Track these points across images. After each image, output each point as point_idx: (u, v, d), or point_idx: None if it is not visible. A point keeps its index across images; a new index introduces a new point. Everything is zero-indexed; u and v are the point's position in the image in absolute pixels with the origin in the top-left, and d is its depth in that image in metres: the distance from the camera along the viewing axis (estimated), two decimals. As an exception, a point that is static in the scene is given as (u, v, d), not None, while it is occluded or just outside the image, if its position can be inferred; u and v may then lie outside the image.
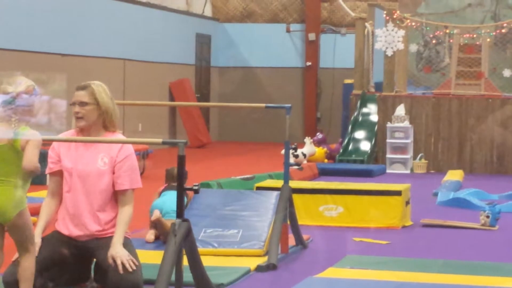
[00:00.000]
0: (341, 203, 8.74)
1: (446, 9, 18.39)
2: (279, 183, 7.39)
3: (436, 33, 16.37)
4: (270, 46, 21.30)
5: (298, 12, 21.52)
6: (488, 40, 15.76)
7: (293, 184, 7.85)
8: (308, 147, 14.68)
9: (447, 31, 16.17)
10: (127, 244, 5.25)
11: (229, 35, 21.59)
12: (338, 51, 20.92)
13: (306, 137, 15.18)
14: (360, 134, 15.90)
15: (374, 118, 15.87)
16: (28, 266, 4.80)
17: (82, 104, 5.33)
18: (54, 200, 5.37)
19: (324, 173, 13.86)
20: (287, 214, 6.89)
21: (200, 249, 5.65)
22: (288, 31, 21.50)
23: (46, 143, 4.96)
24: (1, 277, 5.11)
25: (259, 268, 6.34)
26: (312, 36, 21.12)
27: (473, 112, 15.29)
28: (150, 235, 7.38)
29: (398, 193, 8.68)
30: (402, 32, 15.55)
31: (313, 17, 21.22)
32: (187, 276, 5.04)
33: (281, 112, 7.27)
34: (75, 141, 5.35)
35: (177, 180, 4.80)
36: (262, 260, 6.49)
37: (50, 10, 14.44)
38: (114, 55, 16.47)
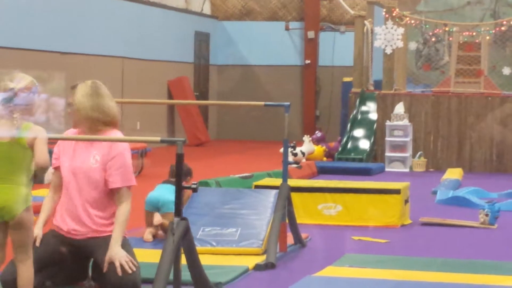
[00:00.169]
0: (340, 201, 8.73)
1: (446, 7, 18.39)
2: (278, 181, 7.38)
3: (435, 31, 16.37)
4: (269, 44, 21.29)
5: (297, 10, 21.51)
6: (488, 38, 15.75)
7: (292, 182, 7.84)
8: (307, 146, 14.66)
9: (447, 29, 16.16)
10: (125, 244, 5.25)
11: (228, 33, 21.58)
12: (337, 49, 20.91)
13: (305, 135, 15.17)
14: (359, 132, 15.89)
15: (373, 116, 15.86)
16: (27, 276, 4.78)
17: (69, 104, 5.44)
18: (56, 194, 5.47)
19: (323, 171, 13.86)
20: (285, 213, 6.89)
21: (199, 247, 5.64)
22: (287, 29, 21.49)
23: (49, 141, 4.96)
24: (-2, 276, 5.12)
25: (257, 267, 6.33)
26: (311, 34, 21.11)
27: (472, 110, 15.28)
28: (148, 234, 7.37)
29: (397, 191, 8.68)
30: (401, 30, 15.54)
31: (312, 15, 21.22)
32: (185, 275, 5.03)
33: (280, 110, 7.27)
34: (72, 139, 5.38)
35: (176, 178, 4.79)
36: (260, 259, 6.48)
37: (49, 8, 14.43)
38: (113, 53, 16.46)
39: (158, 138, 4.89)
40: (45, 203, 5.46)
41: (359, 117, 16.08)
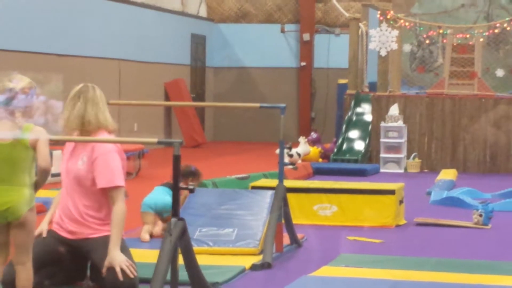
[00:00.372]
0: (336, 202, 8.77)
1: (440, 9, 18.45)
2: (274, 182, 7.43)
3: (429, 33, 16.41)
4: (264, 46, 21.32)
5: (293, 13, 21.56)
6: (481, 40, 15.80)
7: (288, 183, 7.88)
8: (303, 147, 14.71)
9: (441, 31, 16.22)
10: (123, 247, 5.29)
11: (224, 35, 21.61)
12: (332, 51, 20.95)
13: (301, 137, 15.21)
14: (354, 133, 15.94)
15: (368, 117, 15.92)
16: (26, 278, 4.81)
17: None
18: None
19: (318, 172, 13.89)
20: (281, 213, 6.92)
21: (196, 248, 5.68)
22: (282, 31, 21.52)
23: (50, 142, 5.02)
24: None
25: (254, 267, 6.37)
26: (306, 36, 21.15)
27: (466, 112, 15.34)
28: (145, 233, 7.40)
29: (391, 192, 8.72)
30: (395, 32, 15.59)
31: (307, 17, 21.26)
32: (183, 275, 5.08)
33: (275, 112, 7.31)
34: (68, 140, 5.49)
35: (173, 179, 4.83)
36: (257, 259, 6.52)
37: (46, 10, 14.46)
38: (110, 55, 16.49)
39: (155, 140, 4.94)
40: (56, 199, 5.58)
41: (354, 118, 16.13)
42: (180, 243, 4.89)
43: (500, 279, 6.04)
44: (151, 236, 7.43)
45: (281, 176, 7.07)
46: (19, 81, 4.81)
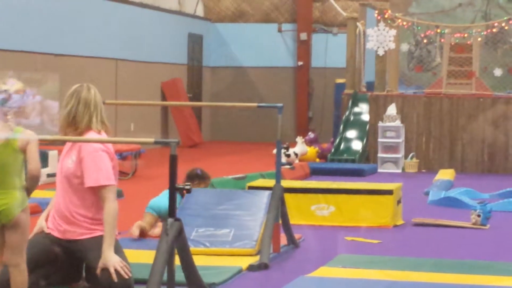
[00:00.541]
0: (333, 202, 8.76)
1: (437, 8, 18.44)
2: (271, 182, 7.40)
3: (427, 33, 16.41)
4: (262, 46, 21.32)
5: (290, 12, 21.54)
6: (479, 39, 15.81)
7: (285, 183, 7.86)
8: (300, 147, 14.69)
9: (438, 30, 16.22)
10: (117, 248, 5.27)
11: (221, 35, 21.60)
12: (329, 50, 20.95)
13: (298, 137, 15.19)
14: (351, 133, 15.93)
15: (365, 117, 15.91)
16: (20, 280, 4.78)
17: None
18: None
19: (315, 172, 13.88)
20: (279, 214, 6.91)
21: (192, 248, 5.67)
22: (279, 31, 21.52)
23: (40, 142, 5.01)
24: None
25: (251, 268, 6.35)
26: (303, 36, 21.15)
27: (464, 112, 15.33)
28: (136, 228, 7.35)
29: (389, 192, 8.70)
30: (393, 32, 15.58)
31: (304, 16, 21.25)
32: (179, 276, 5.06)
33: (273, 111, 7.29)
34: (62, 139, 5.51)
35: (169, 179, 4.81)
36: (254, 260, 6.50)
37: (43, 10, 14.43)
38: (107, 55, 16.47)
39: (152, 140, 4.92)
40: (53, 198, 5.57)
41: (351, 118, 16.11)
42: (176, 243, 4.88)
43: (498, 279, 6.04)
44: (142, 232, 7.37)
45: (278, 176, 7.06)
46: (13, 84, 4.80)
